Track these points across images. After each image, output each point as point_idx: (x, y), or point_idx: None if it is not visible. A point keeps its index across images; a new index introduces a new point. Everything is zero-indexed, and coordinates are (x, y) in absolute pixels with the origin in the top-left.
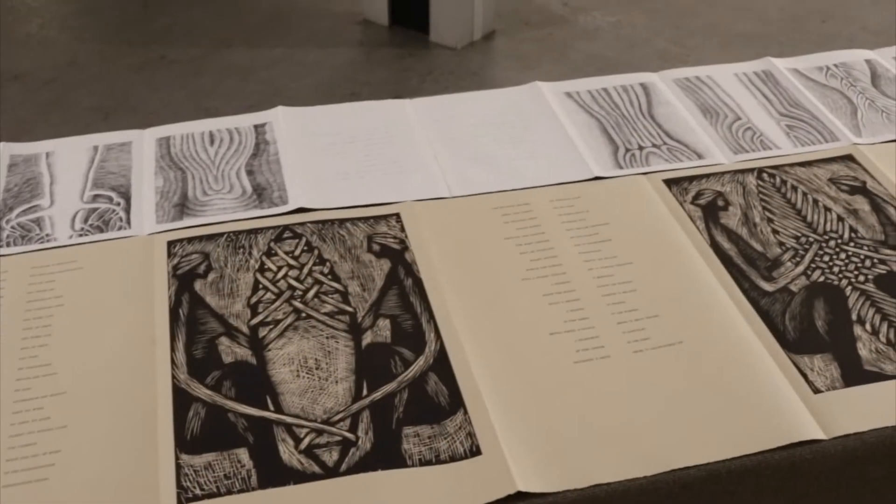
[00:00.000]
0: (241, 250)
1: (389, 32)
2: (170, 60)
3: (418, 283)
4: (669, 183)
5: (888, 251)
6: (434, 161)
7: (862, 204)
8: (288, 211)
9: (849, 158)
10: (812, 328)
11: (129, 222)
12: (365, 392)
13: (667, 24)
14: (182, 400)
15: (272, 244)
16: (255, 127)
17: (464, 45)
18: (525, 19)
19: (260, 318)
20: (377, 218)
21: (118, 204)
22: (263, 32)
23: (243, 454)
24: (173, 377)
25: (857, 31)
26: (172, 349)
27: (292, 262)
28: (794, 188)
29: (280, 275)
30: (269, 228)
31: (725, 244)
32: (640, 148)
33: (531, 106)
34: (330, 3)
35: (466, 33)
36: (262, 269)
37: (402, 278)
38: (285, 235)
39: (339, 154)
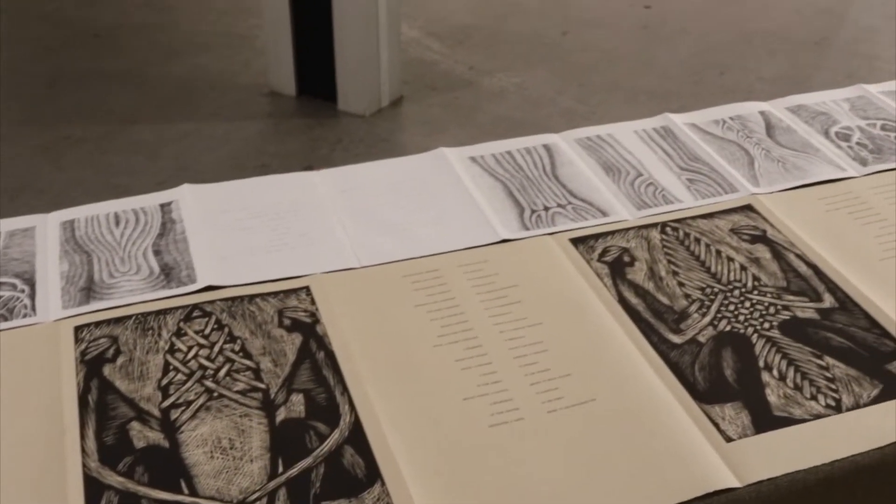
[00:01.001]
0: (150, 332)
1: (297, 102)
2: (77, 139)
3: (331, 356)
4: (576, 242)
5: (791, 297)
6: (342, 232)
7: (763, 252)
8: (197, 289)
9: (748, 208)
10: (721, 378)
11: (34, 309)
12: (281, 469)
13: (570, 83)
14: (94, 489)
15: (182, 324)
16: (161, 206)
17: (372, 112)
18: (431, 84)
19: (171, 400)
20: (287, 292)
21: (22, 291)
22: (170, 107)
23: None
24: (84, 466)
25: (754, 81)
26: (82, 437)
27: (203, 341)
28: (697, 240)
29: (191, 355)
30: (177, 308)
31: (633, 299)
32: (546, 209)
33: (437, 172)
34: (236, 76)
35: (374, 100)
36: (172, 351)
37: (315, 351)
38: (195, 314)
39: (246, 229)
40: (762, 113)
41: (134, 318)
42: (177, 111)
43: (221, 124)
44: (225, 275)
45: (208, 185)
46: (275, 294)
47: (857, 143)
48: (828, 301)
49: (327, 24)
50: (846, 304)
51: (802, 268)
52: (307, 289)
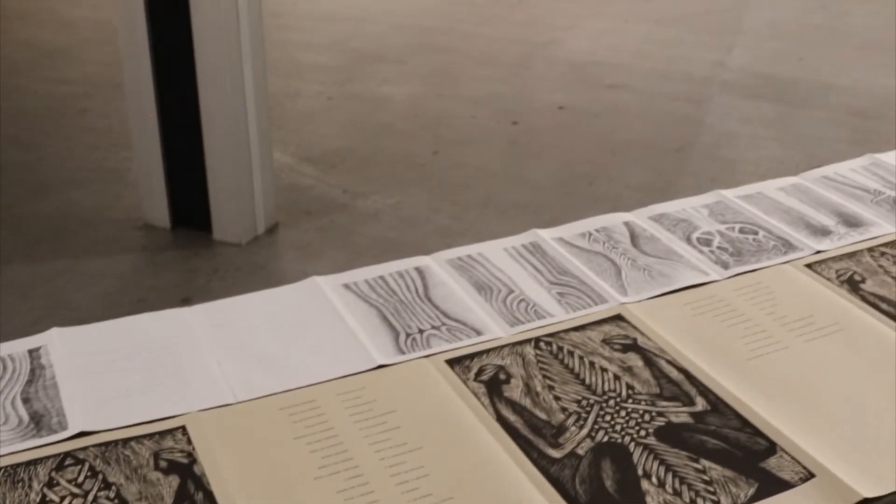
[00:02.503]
0: (21, 484)
1: (172, 234)
2: None
3: (209, 497)
4: (452, 363)
5: (664, 403)
6: (217, 367)
7: (635, 360)
8: (69, 436)
9: (618, 318)
10: (602, 489)
11: None
12: None
13: (444, 201)
14: None
15: (53, 474)
16: (30, 351)
17: (248, 240)
18: (306, 209)
19: None
20: (162, 433)
21: None
22: (42, 246)
23: None
24: None
25: (621, 189)
26: None
27: (76, 490)
28: (571, 353)
29: None
30: (49, 457)
31: (511, 417)
32: (421, 331)
33: (311, 302)
34: (109, 210)
35: (249, 228)
36: (44, 503)
37: (193, 493)
38: (67, 463)
39: (119, 371)
40: (626, 223)
41: (2, 470)
42: (49, 249)
43: (95, 260)
44: (98, 419)
45: (78, 327)
46: (150, 436)
47: (718, 248)
48: (700, 404)
49: (199, 154)
50: (718, 405)
51: (674, 373)
52: (183, 428)
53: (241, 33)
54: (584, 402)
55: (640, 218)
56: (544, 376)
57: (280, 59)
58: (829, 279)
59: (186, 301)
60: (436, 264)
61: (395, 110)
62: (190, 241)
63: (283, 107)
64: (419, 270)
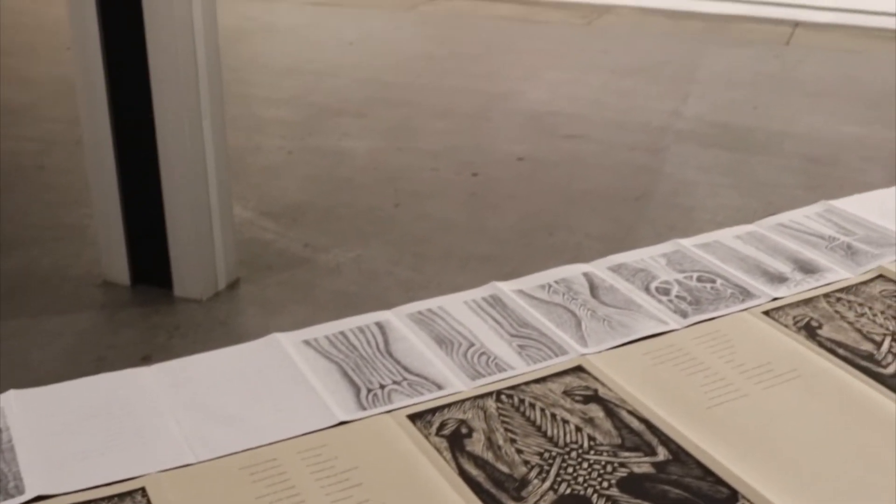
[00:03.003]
0: None
1: (132, 291)
2: None
3: None
4: (413, 418)
5: (626, 453)
6: (177, 427)
7: (597, 412)
8: (26, 501)
9: (579, 369)
10: None
11: None
12: None
13: (405, 254)
14: None
15: None
16: None
17: (209, 296)
18: (268, 263)
19: None
20: (122, 495)
21: None
22: (0, 304)
23: None
24: None
25: (582, 238)
26: None
27: None
28: (532, 405)
29: None
30: None
31: (473, 471)
32: (382, 387)
33: (271, 359)
34: (68, 268)
35: (210, 284)
36: None
37: None
38: None
39: (78, 432)
40: (585, 274)
41: None
42: (6, 308)
43: (54, 319)
44: (56, 482)
45: (35, 388)
46: (109, 498)
47: (677, 297)
48: (662, 454)
49: (159, 210)
50: (679, 455)
51: (635, 423)
52: (143, 490)
53: (200, 89)
54: (546, 455)
55: (598, 268)
56: (506, 429)
57: (240, 114)
58: (786, 326)
59: (146, 359)
60: (396, 319)
61: (356, 164)
62: (150, 297)
63: (243, 161)
64: (380, 325)
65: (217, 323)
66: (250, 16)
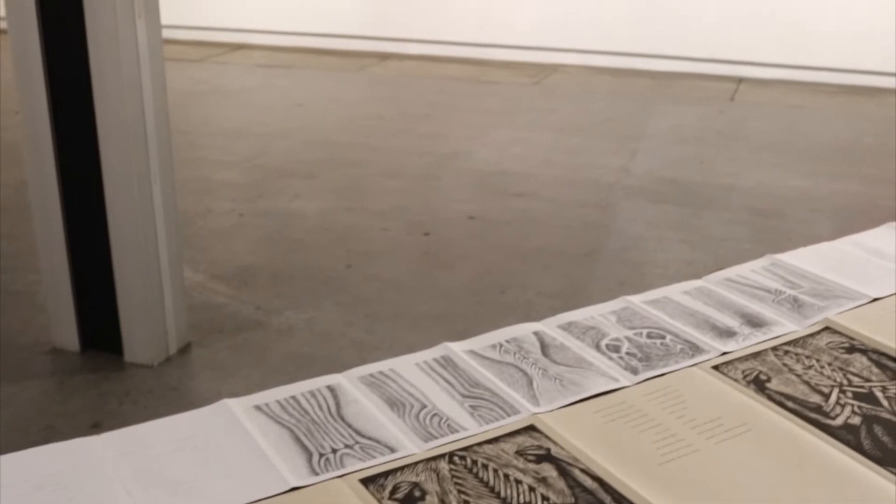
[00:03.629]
0: None
1: (82, 358)
2: None
3: None
4: (366, 482)
5: None
6: (127, 498)
7: (549, 471)
8: None
9: (531, 429)
10: None
11: None
12: None
13: (358, 315)
14: None
15: None
16: None
17: (160, 361)
18: (219, 327)
19: None
20: None
21: None
22: None
23: None
24: None
25: (533, 296)
26: None
27: None
28: (485, 466)
29: None
30: None
31: None
32: (334, 451)
33: (221, 425)
34: (16, 335)
35: (161, 349)
36: None
37: None
38: None
39: None
40: (536, 333)
41: None
42: None
43: (2, 387)
44: None
45: None
46: None
47: (627, 353)
48: None
49: (108, 276)
50: None
51: (588, 482)
52: None
53: (149, 153)
54: None
55: (549, 327)
56: (459, 491)
57: (190, 177)
58: (735, 380)
59: (96, 426)
60: (348, 382)
61: (307, 225)
62: (100, 364)
63: (194, 225)
64: (331, 389)
65: (168, 388)
66: (200, 79)
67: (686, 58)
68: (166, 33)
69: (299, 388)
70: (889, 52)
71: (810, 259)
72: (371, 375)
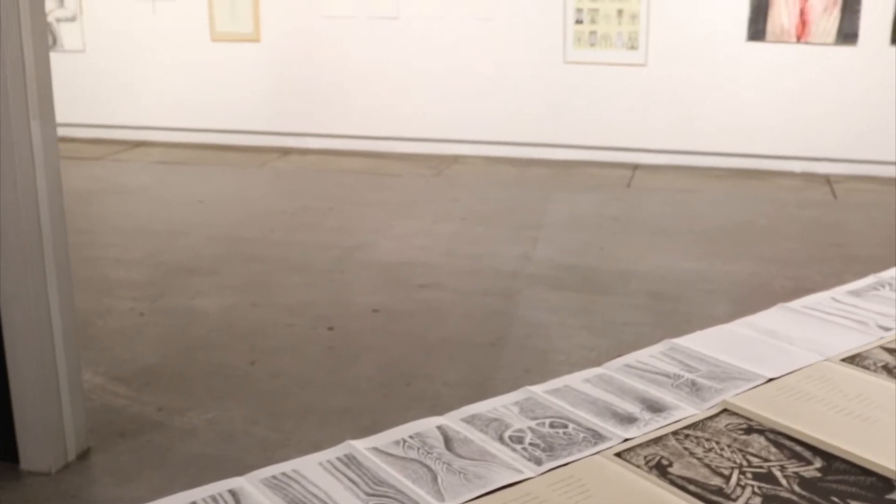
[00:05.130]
0: None
1: None
2: None
3: None
4: None
5: None
6: None
7: None
8: None
9: None
10: None
11: None
12: None
13: (262, 412)
14: None
15: None
16: None
17: (59, 468)
18: (120, 430)
19: None
20: None
21: None
22: None
23: None
24: None
25: (440, 387)
26: None
27: None
28: None
29: None
30: None
31: None
32: None
33: None
34: None
35: (60, 455)
36: None
37: None
38: None
39: None
40: (440, 427)
41: None
42: None
43: None
44: None
45: None
46: None
47: (530, 444)
48: None
49: (2, 381)
50: None
51: None
52: None
53: (44, 254)
54: None
55: (452, 421)
56: None
57: (89, 277)
58: (638, 466)
59: None
60: (250, 485)
61: (210, 323)
62: None
63: (93, 325)
64: (233, 493)
65: (67, 496)
66: (99, 177)
67: (583, 146)
68: (63, 132)
69: (200, 493)
70: (777, 135)
71: (707, 342)
72: (274, 477)
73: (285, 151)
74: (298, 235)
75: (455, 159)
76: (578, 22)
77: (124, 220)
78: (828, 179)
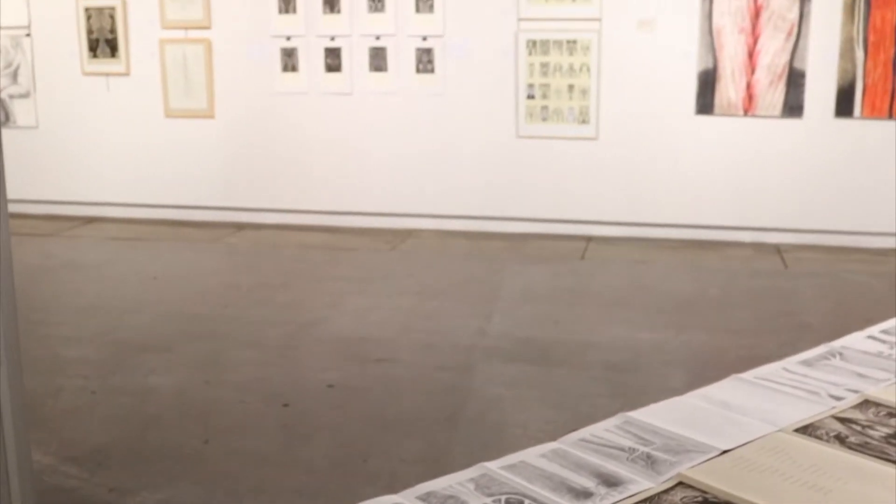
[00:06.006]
0: None
1: None
2: None
3: None
4: None
5: None
6: None
7: None
8: None
9: None
10: None
11: None
12: None
13: (216, 492)
14: None
15: None
16: None
17: None
18: None
19: None
20: None
21: None
22: None
23: None
24: None
25: (396, 464)
26: None
27: None
28: None
29: None
30: None
31: None
32: None
33: None
34: None
35: None
36: None
37: None
38: None
39: None
40: None
41: None
42: None
43: None
44: None
45: None
46: None
47: None
48: None
49: None
50: None
51: None
52: None
53: None
54: None
55: (408, 499)
56: None
57: (40, 355)
58: None
59: None
60: None
61: (162, 401)
62: None
63: (44, 405)
64: None
65: None
66: (52, 253)
67: (537, 219)
68: (16, 208)
69: None
70: (727, 206)
71: (662, 415)
72: None
73: (240, 227)
74: (253, 311)
75: (410, 233)
76: (530, 97)
77: (77, 297)
78: (778, 249)
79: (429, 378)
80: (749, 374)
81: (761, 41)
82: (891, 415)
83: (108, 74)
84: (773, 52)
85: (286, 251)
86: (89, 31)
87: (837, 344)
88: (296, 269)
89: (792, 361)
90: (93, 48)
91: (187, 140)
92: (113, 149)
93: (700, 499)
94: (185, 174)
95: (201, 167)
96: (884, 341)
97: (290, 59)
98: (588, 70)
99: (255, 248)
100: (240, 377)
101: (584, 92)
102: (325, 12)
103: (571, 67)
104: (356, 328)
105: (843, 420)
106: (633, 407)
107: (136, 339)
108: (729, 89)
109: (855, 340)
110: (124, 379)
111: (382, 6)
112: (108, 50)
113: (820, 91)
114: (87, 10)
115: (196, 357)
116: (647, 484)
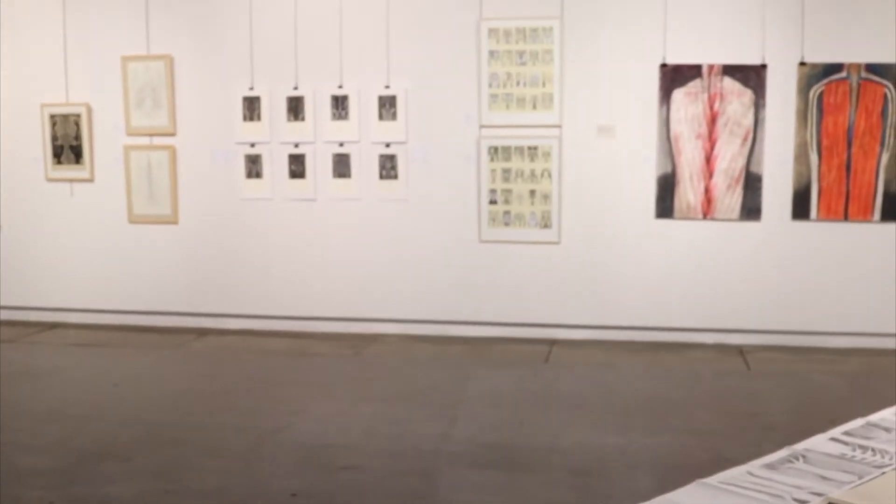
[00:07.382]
0: None
1: None
2: None
3: None
4: None
5: None
6: None
7: None
8: None
9: None
10: None
11: None
12: None
13: None
14: None
15: None
16: None
17: None
18: None
19: None
20: None
21: None
22: None
23: None
24: None
25: None
26: None
27: None
28: None
29: None
30: None
31: None
32: None
33: None
34: None
35: None
36: None
37: None
38: None
39: None
40: None
41: None
42: None
43: None
44: None
45: None
46: None
47: None
48: None
49: None
50: None
51: None
52: None
53: None
54: None
55: None
56: None
57: None
58: None
59: None
60: None
61: None
62: None
63: None
64: None
65: None
66: (11, 359)
67: (500, 323)
68: None
69: None
70: (688, 308)
71: None
72: None
73: (203, 332)
74: (215, 418)
75: (374, 338)
76: (493, 202)
77: (35, 403)
78: (740, 350)
79: (394, 485)
80: (714, 479)
81: (718, 146)
82: None
83: (72, 181)
84: (730, 157)
85: (250, 357)
86: (54, 138)
87: (801, 447)
88: (259, 375)
89: (756, 465)
90: (57, 154)
91: (151, 246)
92: (76, 254)
93: None
94: (148, 280)
95: (165, 273)
96: (846, 443)
97: (254, 166)
98: (549, 175)
99: (219, 353)
100: (201, 485)
101: (546, 197)
102: (289, 119)
103: (533, 173)
104: (320, 435)
105: None
106: None
107: (95, 448)
108: (688, 193)
109: (818, 443)
110: (83, 489)
111: (346, 114)
112: (72, 156)
113: (777, 194)
114: (52, 116)
115: (156, 465)
116: None
